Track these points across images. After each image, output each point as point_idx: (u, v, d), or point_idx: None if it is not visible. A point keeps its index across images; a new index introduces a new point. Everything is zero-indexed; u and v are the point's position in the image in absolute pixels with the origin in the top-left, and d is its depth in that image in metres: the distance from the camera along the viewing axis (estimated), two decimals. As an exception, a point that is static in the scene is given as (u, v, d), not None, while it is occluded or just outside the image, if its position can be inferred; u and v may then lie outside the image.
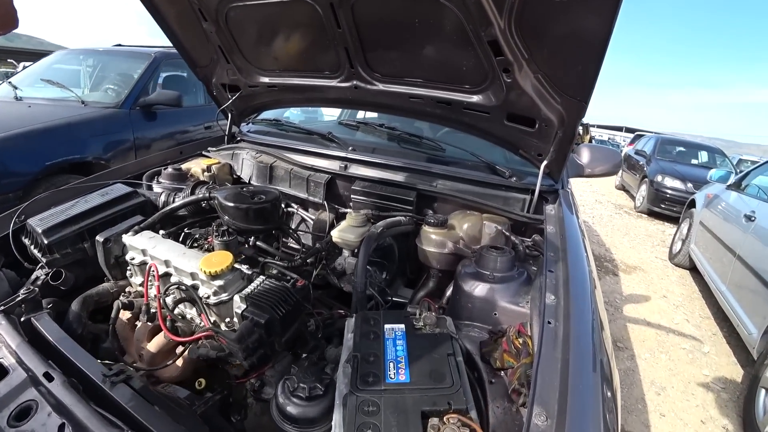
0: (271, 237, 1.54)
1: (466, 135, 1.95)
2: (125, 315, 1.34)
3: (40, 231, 1.39)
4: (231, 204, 1.40)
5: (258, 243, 1.46)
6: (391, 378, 0.81)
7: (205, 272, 1.11)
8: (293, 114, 3.22)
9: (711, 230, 4.45)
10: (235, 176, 2.10)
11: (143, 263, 1.32)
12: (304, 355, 1.28)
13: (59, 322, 1.24)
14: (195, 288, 1.18)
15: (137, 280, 1.36)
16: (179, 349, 1.24)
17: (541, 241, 1.57)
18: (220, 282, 1.13)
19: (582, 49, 1.22)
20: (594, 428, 0.78)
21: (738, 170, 8.06)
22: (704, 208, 4.90)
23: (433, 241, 1.49)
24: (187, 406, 1.05)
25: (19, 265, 1.47)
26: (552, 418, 0.75)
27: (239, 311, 1.09)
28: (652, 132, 14.06)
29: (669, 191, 7.81)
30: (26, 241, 1.50)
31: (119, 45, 4.91)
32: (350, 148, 1.91)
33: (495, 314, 1.23)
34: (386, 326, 0.98)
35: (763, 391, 2.65)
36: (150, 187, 1.83)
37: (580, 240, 1.59)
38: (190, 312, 1.24)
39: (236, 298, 1.13)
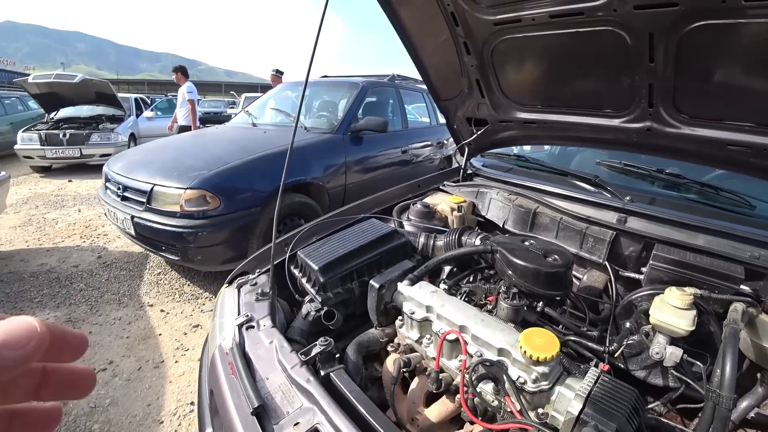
0: (554, 302, 1.34)
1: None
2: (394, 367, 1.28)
3: (316, 268, 1.42)
4: (521, 262, 1.23)
5: (546, 310, 1.27)
6: None
7: (527, 355, 0.96)
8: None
9: None
10: (479, 216, 1.98)
11: (425, 320, 1.24)
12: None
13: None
14: (502, 365, 1.04)
15: (412, 334, 1.28)
16: (469, 427, 1.12)
17: None
18: (544, 369, 0.95)
19: None
20: None
21: None
22: None
23: (786, 340, 1.10)
24: None
25: (284, 288, 1.54)
26: None
27: (573, 411, 0.89)
28: None
29: None
30: (296, 272, 1.58)
31: (325, 76, 5.55)
32: (627, 198, 1.60)
33: None
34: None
35: None
36: (400, 224, 1.81)
37: None
38: (483, 387, 1.11)
39: (564, 392, 0.94)
